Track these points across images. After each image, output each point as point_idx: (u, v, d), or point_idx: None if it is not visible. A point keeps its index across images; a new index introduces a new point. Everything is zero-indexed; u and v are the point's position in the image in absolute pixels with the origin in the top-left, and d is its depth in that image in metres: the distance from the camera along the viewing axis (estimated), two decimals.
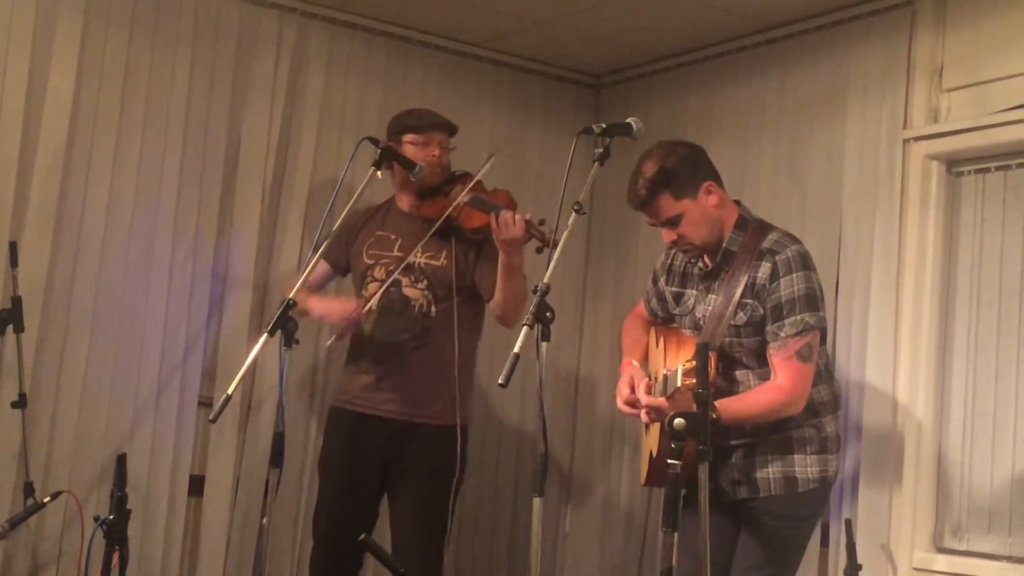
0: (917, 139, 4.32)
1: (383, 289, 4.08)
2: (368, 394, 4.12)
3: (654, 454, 3.48)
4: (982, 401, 4.14)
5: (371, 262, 4.19)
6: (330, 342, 4.10)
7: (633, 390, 3.44)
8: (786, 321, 3.32)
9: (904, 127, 4.34)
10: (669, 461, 2.84)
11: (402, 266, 4.09)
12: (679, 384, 3.26)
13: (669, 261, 3.69)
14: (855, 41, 4.55)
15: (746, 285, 3.38)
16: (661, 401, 3.32)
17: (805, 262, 3.38)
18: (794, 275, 3.35)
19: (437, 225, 4.08)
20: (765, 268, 3.37)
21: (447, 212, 4.08)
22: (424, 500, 4.07)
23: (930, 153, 4.29)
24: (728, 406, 3.25)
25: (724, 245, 3.46)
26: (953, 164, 4.30)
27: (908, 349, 4.25)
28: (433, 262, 4.12)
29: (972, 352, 4.19)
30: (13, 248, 4.20)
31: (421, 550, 4.03)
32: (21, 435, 4.23)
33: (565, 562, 5.52)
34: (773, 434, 3.42)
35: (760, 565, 3.41)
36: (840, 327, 4.41)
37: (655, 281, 3.75)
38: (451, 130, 4.28)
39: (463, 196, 4.10)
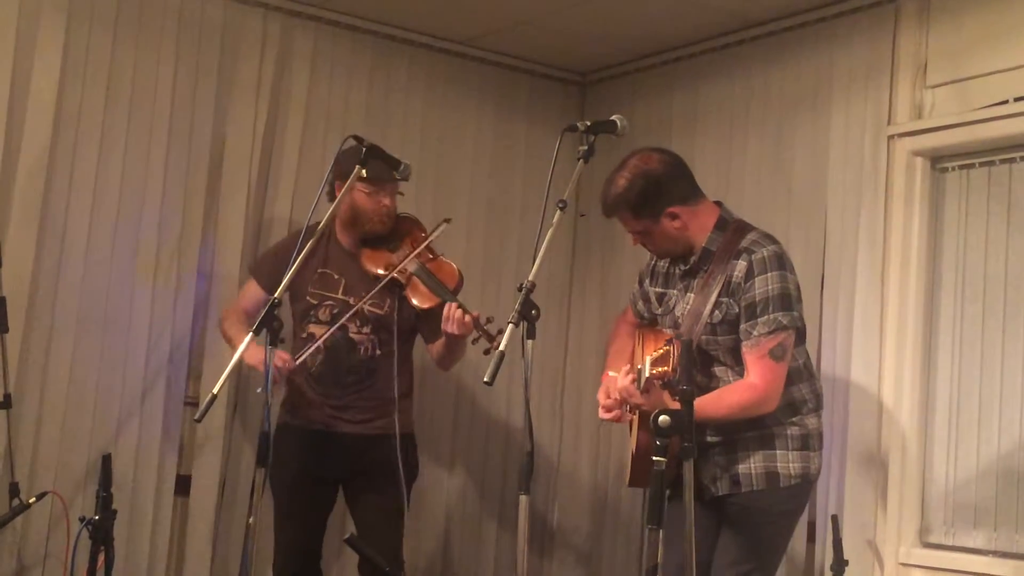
0: (901, 135, 4.33)
1: (328, 333, 4.13)
2: (318, 415, 4.18)
3: (634, 453, 3.49)
4: (967, 396, 4.15)
5: (315, 302, 4.21)
6: (260, 390, 4.06)
7: (609, 395, 3.48)
8: (759, 320, 3.34)
9: (888, 123, 4.35)
10: (654, 458, 2.84)
11: (350, 314, 4.13)
12: (647, 373, 3.27)
13: (653, 262, 3.72)
14: (839, 38, 4.55)
15: (722, 284, 3.41)
16: (631, 388, 3.34)
17: (781, 262, 3.40)
18: (769, 274, 3.37)
19: (381, 285, 4.12)
20: (740, 267, 3.39)
21: (391, 274, 4.12)
22: (384, 502, 4.14)
23: (914, 149, 4.30)
24: (701, 405, 3.22)
25: (704, 245, 3.48)
26: (937, 160, 4.31)
27: (893, 344, 4.25)
28: (377, 310, 4.18)
29: (957, 347, 4.20)
30: None
31: (385, 544, 4.06)
32: (6, 435, 4.22)
33: (553, 559, 5.52)
34: (753, 431, 3.42)
35: (741, 561, 3.41)
36: (825, 323, 4.41)
37: (640, 283, 3.78)
38: (405, 178, 4.27)
39: (409, 262, 4.14)
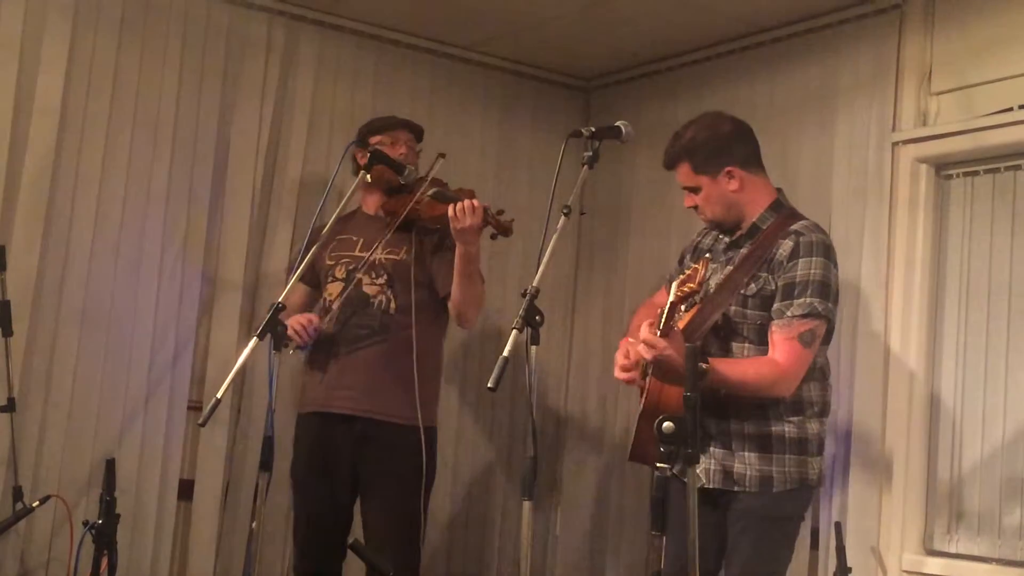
0: (906, 142, 4.33)
1: (346, 290, 4.08)
2: (329, 392, 4.06)
3: (640, 414, 3.43)
4: (971, 404, 4.15)
5: (332, 263, 4.18)
6: (292, 351, 4.04)
7: (627, 356, 3.40)
8: (795, 301, 3.29)
9: (893, 130, 4.36)
10: (657, 464, 2.84)
11: (363, 264, 4.08)
12: (673, 296, 3.21)
13: (698, 239, 3.67)
14: (844, 45, 4.56)
15: (764, 259, 3.36)
16: (654, 339, 3.20)
17: (828, 252, 3.36)
18: (813, 259, 3.32)
19: (401, 218, 4.06)
20: (786, 245, 3.35)
21: (409, 205, 4.07)
22: (395, 504, 4.03)
23: (919, 156, 4.30)
24: (720, 364, 3.22)
25: (754, 221, 3.45)
26: (942, 167, 4.31)
27: (897, 351, 4.25)
28: (393, 256, 4.10)
29: (960, 354, 4.20)
30: (1, 252, 4.18)
31: (395, 552, 4.01)
32: (10, 439, 4.22)
33: (555, 565, 5.52)
34: (752, 426, 3.38)
35: (749, 571, 3.39)
36: None
37: (681, 260, 3.70)
38: (416, 131, 4.29)
39: (426, 190, 4.09)
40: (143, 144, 4.68)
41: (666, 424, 2.82)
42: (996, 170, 4.17)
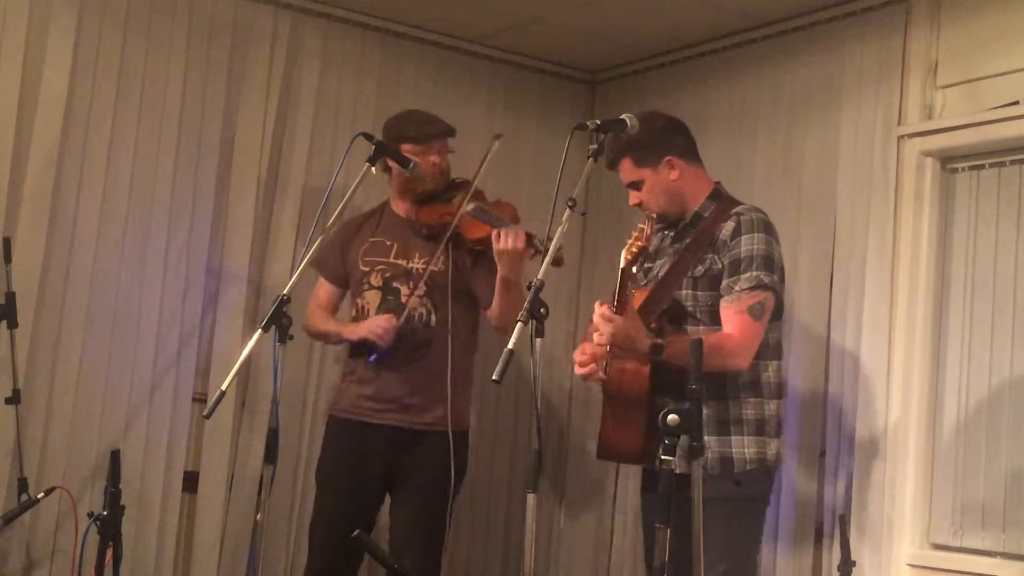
0: (911, 136, 4.32)
1: (386, 300, 4.07)
2: (367, 403, 4.13)
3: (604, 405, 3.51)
4: (976, 397, 4.14)
5: (367, 269, 4.19)
6: (374, 358, 4.10)
7: (583, 352, 3.50)
8: (742, 276, 3.41)
9: (899, 124, 4.34)
10: (662, 456, 2.83)
11: (400, 273, 4.10)
12: (623, 261, 3.27)
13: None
14: (850, 38, 4.55)
15: (708, 241, 3.48)
16: (610, 314, 3.28)
17: (768, 228, 3.49)
18: (755, 235, 3.45)
19: (446, 238, 4.07)
20: (728, 226, 3.48)
21: (452, 223, 4.06)
22: (423, 506, 4.08)
23: (924, 150, 4.29)
24: (676, 340, 3.34)
25: (696, 211, 3.58)
26: (947, 161, 4.30)
27: (902, 345, 4.25)
28: (431, 267, 4.11)
29: (966, 348, 4.19)
30: (7, 244, 4.19)
31: (419, 553, 4.02)
32: (15, 431, 4.23)
33: (559, 559, 5.52)
34: (711, 408, 3.42)
35: (722, 557, 3.39)
36: (834, 322, 4.41)
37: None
38: (450, 134, 4.28)
39: (466, 206, 4.08)
40: (148, 136, 4.68)
41: (671, 416, 2.82)
42: (1002, 164, 4.16)
